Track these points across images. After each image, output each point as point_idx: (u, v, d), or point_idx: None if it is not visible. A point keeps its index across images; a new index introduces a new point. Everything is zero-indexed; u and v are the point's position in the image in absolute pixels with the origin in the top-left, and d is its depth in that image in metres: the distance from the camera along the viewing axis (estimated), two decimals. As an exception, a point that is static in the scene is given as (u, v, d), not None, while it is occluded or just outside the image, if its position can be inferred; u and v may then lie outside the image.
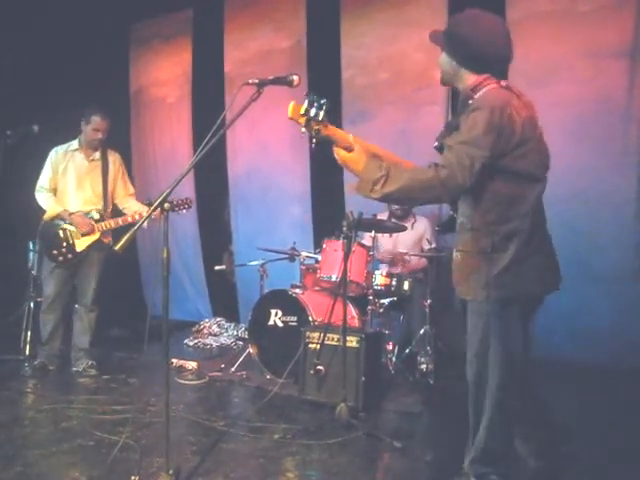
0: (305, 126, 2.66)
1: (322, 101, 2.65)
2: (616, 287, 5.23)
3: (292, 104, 2.63)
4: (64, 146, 5.23)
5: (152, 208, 2.85)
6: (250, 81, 2.98)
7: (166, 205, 2.86)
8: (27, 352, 5.46)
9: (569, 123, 5.20)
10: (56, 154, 5.20)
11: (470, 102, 2.57)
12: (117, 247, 2.79)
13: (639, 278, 5.19)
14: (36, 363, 5.16)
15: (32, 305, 5.63)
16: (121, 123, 8.01)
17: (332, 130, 2.73)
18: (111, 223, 5.08)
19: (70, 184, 5.17)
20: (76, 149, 5.22)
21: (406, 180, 2.53)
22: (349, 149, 2.72)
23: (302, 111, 2.63)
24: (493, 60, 2.61)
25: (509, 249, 2.53)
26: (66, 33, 6.85)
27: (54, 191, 5.17)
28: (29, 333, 5.55)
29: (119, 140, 7.79)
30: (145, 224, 3.07)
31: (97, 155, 5.25)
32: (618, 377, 4.87)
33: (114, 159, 5.33)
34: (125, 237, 2.79)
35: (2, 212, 5.22)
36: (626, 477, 3.25)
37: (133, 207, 5.24)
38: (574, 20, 5.33)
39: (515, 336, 2.64)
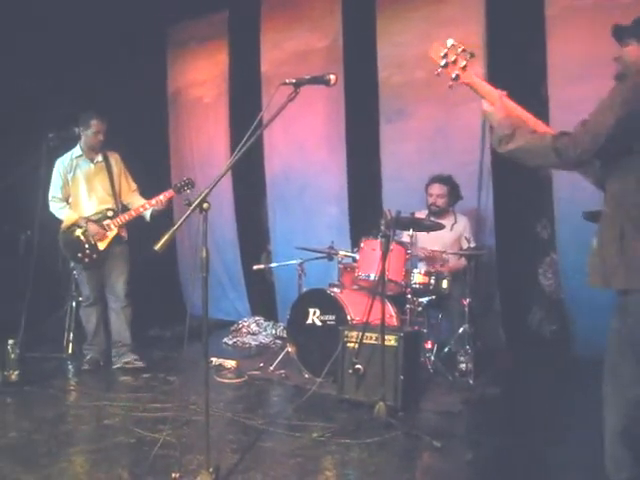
0: (443, 66, 2.70)
1: (468, 50, 2.70)
2: None
3: (435, 44, 2.71)
4: (67, 155, 5.40)
5: (192, 208, 2.87)
6: (287, 81, 2.99)
7: (205, 205, 2.88)
8: (70, 351, 5.62)
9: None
10: (62, 164, 5.37)
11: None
12: (157, 247, 2.82)
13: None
14: (89, 358, 5.33)
15: (74, 304, 5.76)
16: (159, 124, 8.14)
17: (472, 78, 2.74)
18: (125, 217, 5.28)
19: (82, 190, 5.36)
20: (80, 155, 5.38)
21: (525, 142, 2.51)
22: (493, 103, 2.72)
23: (442, 53, 2.69)
24: None
25: (637, 240, 2.31)
26: (106, 36, 6.95)
27: (67, 199, 5.37)
28: (72, 332, 5.69)
29: (157, 141, 7.93)
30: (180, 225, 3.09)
31: (100, 157, 5.42)
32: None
33: (115, 159, 5.50)
34: (165, 237, 2.82)
35: (45, 214, 5.33)
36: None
37: (137, 202, 5.42)
38: (613, 14, 5.19)
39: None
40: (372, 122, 6.60)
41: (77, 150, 5.37)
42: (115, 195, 5.40)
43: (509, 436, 3.78)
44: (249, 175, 7.47)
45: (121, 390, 4.73)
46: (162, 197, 5.17)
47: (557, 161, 2.45)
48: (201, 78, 8.03)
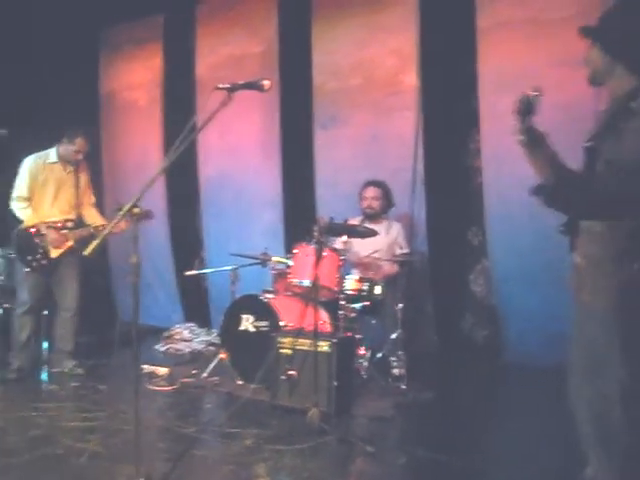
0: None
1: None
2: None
3: None
4: (41, 156, 5.30)
5: (122, 213, 2.83)
6: (221, 86, 2.98)
7: (135, 210, 2.83)
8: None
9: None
10: (35, 164, 5.25)
11: (634, 105, 2.29)
12: (87, 252, 2.77)
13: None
14: (16, 367, 5.17)
15: (1, 312, 5.60)
16: (91, 127, 7.96)
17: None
18: (83, 233, 5.21)
19: (49, 195, 5.28)
20: (55, 162, 5.30)
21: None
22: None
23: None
24: None
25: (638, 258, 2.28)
26: (37, 37, 6.79)
27: (31, 200, 5.22)
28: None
29: (90, 144, 7.76)
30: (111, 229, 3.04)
31: (71, 167, 5.38)
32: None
33: (83, 168, 5.47)
34: (95, 242, 2.77)
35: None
36: None
37: (92, 216, 5.44)
38: (541, 28, 5.38)
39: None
40: (307, 128, 6.62)
41: (52, 156, 5.29)
42: (77, 207, 5.36)
43: (441, 440, 3.83)
44: (183, 180, 7.38)
45: (48, 399, 4.58)
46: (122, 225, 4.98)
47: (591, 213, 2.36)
48: (135, 81, 7.90)
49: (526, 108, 2.44)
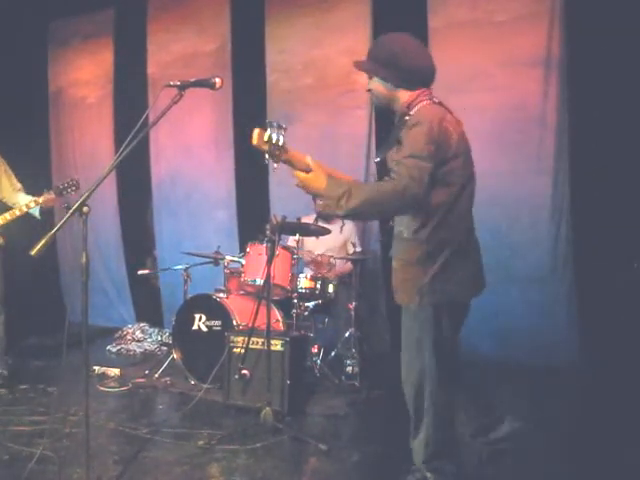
0: (268, 152, 2.64)
1: (283, 126, 2.69)
2: (533, 288, 5.40)
3: (257, 131, 2.64)
4: None
5: (70, 211, 2.78)
6: (172, 83, 2.96)
7: (85, 209, 2.79)
8: None
9: (487, 129, 5.32)
10: None
11: (407, 118, 2.70)
12: (33, 252, 2.71)
13: (554, 279, 5.37)
14: None
15: None
16: (40, 124, 7.82)
17: (291, 154, 2.75)
18: (6, 217, 4.91)
19: None
20: None
21: (368, 193, 2.63)
22: (307, 171, 2.76)
23: (266, 138, 2.62)
24: (425, 74, 2.81)
25: (440, 257, 2.71)
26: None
27: None
28: None
29: (38, 141, 7.62)
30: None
31: None
32: (535, 375, 5.03)
33: None
34: (41, 242, 2.71)
35: None
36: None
37: (22, 201, 5.04)
38: (491, 30, 5.48)
39: (445, 338, 2.80)
40: (260, 127, 6.57)
41: None
42: None
43: (394, 437, 3.86)
44: (134, 178, 7.29)
45: (-6, 403, 4.50)
46: (43, 198, 4.88)
47: (400, 205, 2.64)
48: (84, 77, 7.76)
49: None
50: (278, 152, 2.67)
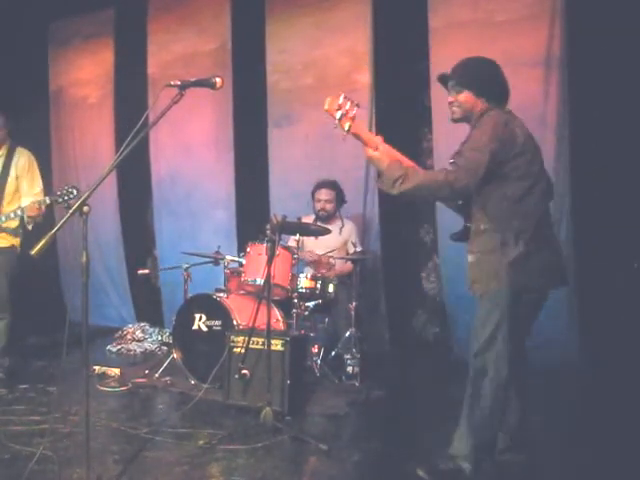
0: (339, 120, 2.91)
1: (355, 101, 2.96)
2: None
3: (329, 99, 2.91)
4: None
5: (71, 211, 2.77)
6: (172, 83, 2.96)
7: (85, 208, 2.78)
8: None
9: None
10: None
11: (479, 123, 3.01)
12: (33, 252, 2.71)
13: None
14: None
15: None
16: (41, 123, 7.81)
17: (361, 129, 3.03)
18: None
19: None
20: None
21: (421, 180, 2.91)
22: (376, 149, 3.02)
23: (340, 101, 2.89)
24: (505, 89, 3.15)
25: (515, 246, 2.91)
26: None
27: None
28: None
29: (38, 141, 7.61)
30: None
31: (2, 151, 5.05)
32: (535, 375, 5.01)
33: (20, 157, 5.08)
34: (41, 242, 2.71)
35: None
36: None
37: (23, 204, 4.91)
38: (491, 30, 5.47)
39: (519, 326, 3.01)
40: (260, 127, 6.60)
41: None
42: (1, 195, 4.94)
43: (394, 437, 3.87)
44: (135, 178, 7.29)
45: (-5, 403, 4.49)
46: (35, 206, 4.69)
47: (449, 193, 2.93)
48: (85, 77, 7.76)
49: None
50: (349, 122, 2.91)
